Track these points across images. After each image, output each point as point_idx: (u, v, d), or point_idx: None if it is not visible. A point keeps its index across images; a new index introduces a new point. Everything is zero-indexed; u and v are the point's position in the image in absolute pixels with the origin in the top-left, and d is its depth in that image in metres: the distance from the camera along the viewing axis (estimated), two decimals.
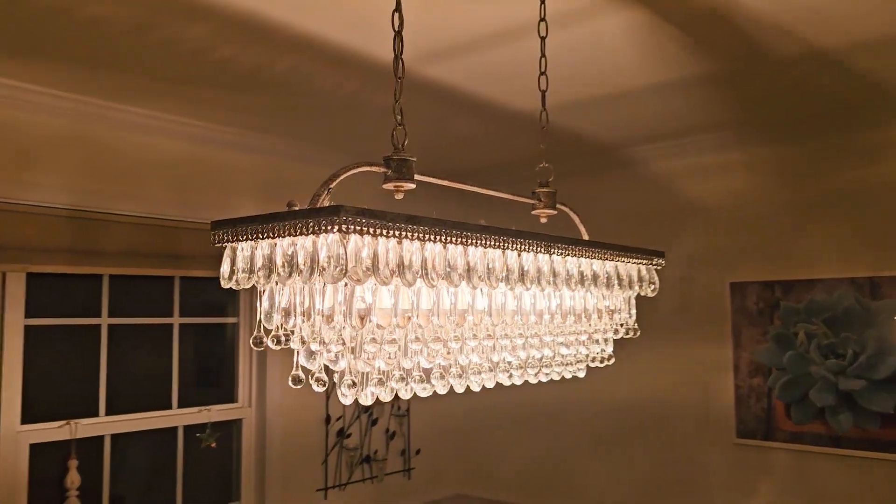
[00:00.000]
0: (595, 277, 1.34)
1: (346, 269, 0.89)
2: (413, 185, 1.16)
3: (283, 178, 3.49)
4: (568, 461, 3.96)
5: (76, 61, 2.40)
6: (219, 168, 3.31)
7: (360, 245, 0.93)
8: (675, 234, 3.59)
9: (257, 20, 2.03)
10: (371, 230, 0.90)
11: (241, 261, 1.01)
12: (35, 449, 2.79)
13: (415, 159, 1.16)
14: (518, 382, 1.27)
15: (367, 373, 1.06)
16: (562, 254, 1.20)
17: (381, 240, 0.94)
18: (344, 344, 0.99)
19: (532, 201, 1.46)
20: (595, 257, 1.28)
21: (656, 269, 1.54)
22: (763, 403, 3.33)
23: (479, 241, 1.06)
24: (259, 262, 0.99)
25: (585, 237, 1.57)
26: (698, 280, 3.52)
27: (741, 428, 3.38)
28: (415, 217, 0.97)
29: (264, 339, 1.05)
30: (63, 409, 2.91)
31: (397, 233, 0.94)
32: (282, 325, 1.04)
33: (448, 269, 1.03)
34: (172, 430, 3.24)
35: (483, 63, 2.38)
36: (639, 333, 1.53)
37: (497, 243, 1.10)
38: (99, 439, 2.99)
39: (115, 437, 3.03)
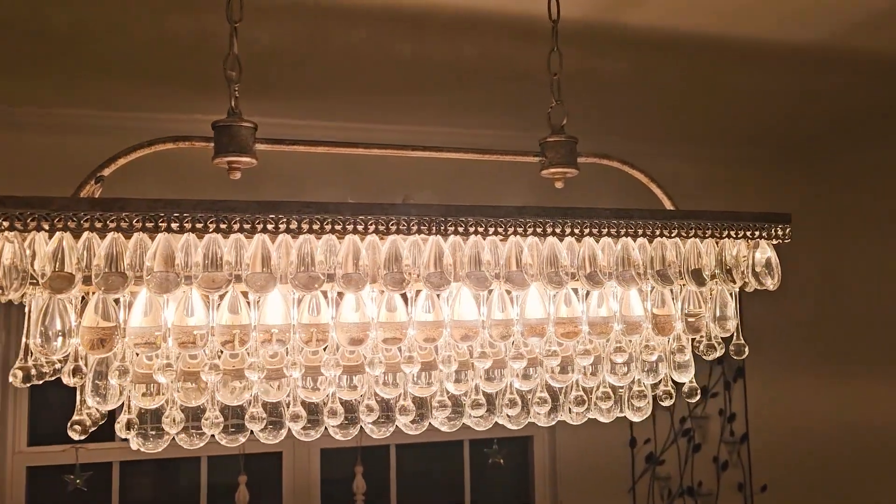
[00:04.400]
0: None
1: None
2: (253, 161, 0.86)
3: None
4: None
5: (336, 91, 2.54)
6: (486, 175, 3.19)
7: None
8: None
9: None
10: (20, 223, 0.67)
11: None
12: (325, 454, 3.02)
13: (253, 125, 0.86)
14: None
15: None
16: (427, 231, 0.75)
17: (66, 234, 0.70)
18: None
19: (535, 159, 0.97)
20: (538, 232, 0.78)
21: (775, 244, 0.90)
22: None
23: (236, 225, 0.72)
24: None
25: (669, 208, 1.01)
26: None
27: None
28: (119, 200, 0.70)
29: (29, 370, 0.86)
30: None
31: (75, 223, 0.68)
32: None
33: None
34: (458, 444, 3.20)
35: None
36: (745, 352, 0.91)
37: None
38: (384, 448, 3.10)
39: (399, 447, 3.11)
